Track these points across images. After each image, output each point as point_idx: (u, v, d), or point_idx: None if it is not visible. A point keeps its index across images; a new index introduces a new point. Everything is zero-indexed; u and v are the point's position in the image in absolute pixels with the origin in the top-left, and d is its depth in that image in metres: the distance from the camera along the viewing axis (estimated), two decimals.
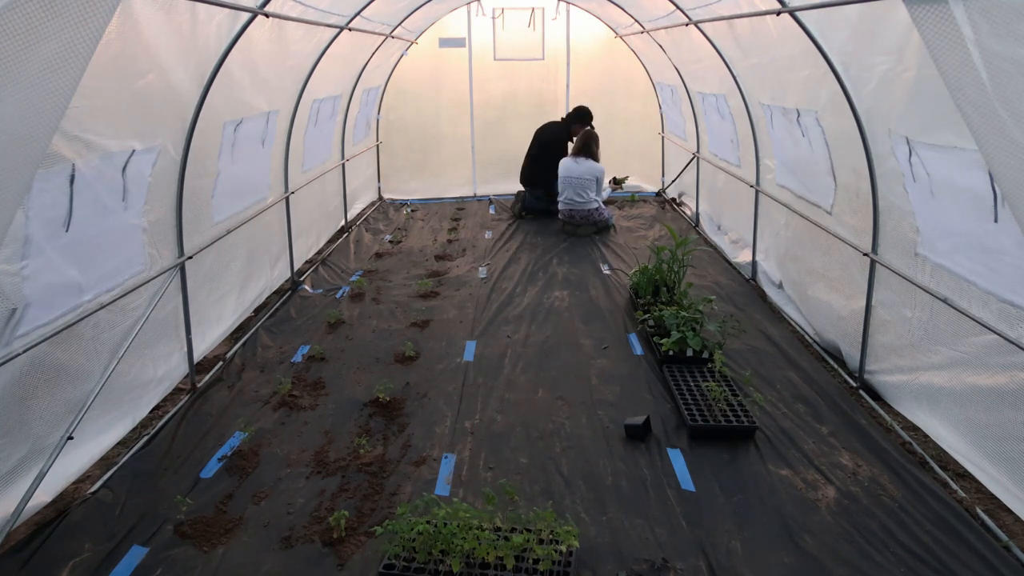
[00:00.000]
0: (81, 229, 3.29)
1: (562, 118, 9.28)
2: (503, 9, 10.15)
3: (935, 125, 3.42)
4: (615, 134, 10.00)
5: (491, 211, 9.80)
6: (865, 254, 4.41)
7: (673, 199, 10.11)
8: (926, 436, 3.93)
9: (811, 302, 5.40)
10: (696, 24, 6.37)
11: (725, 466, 3.71)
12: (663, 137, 10.56)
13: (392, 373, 4.83)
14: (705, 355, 4.67)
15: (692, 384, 4.40)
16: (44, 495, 3.26)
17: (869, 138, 4.22)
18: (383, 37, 8.09)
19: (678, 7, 6.47)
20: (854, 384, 4.57)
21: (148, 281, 3.95)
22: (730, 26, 5.81)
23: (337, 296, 6.41)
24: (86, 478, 3.60)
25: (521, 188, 9.44)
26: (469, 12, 10.13)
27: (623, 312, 5.90)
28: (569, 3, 10.18)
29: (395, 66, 10.07)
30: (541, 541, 2.90)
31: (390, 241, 8.31)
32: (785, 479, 3.59)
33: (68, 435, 3.24)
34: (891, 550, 3.08)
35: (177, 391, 4.52)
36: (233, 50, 4.37)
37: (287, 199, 6.50)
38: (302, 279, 6.83)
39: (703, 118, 8.25)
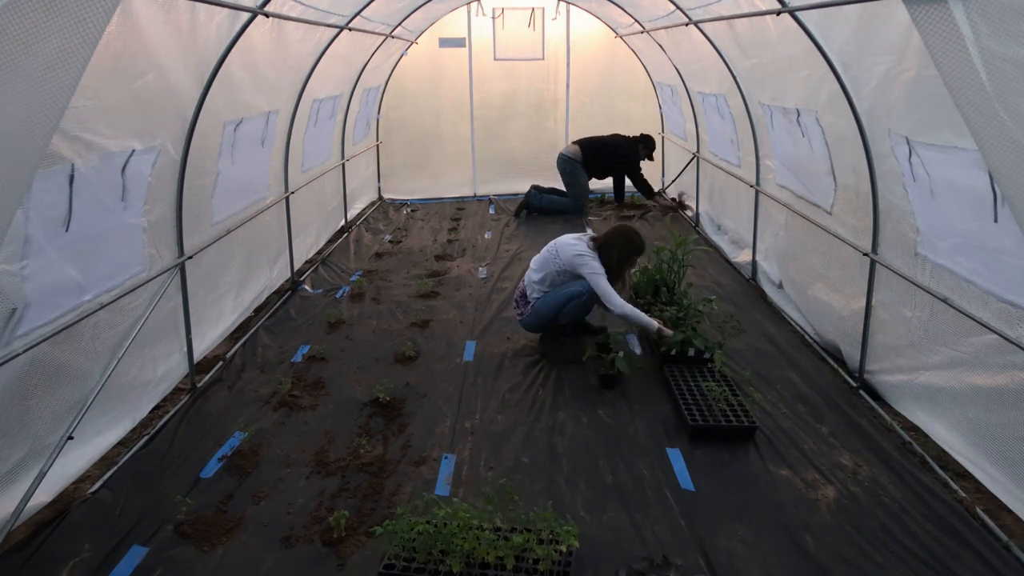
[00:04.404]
0: (81, 229, 3.29)
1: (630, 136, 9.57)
2: (503, 9, 10.15)
3: (935, 125, 3.41)
4: None
5: (491, 211, 9.80)
6: (865, 254, 4.41)
7: (673, 199, 10.11)
8: (926, 436, 3.93)
9: (811, 302, 5.39)
10: (696, 24, 6.37)
11: (725, 466, 3.71)
12: (663, 137, 10.56)
13: (392, 373, 4.83)
14: (705, 355, 4.67)
15: (692, 384, 4.39)
16: (44, 495, 3.25)
17: (869, 138, 4.21)
18: (383, 37, 8.09)
19: (678, 7, 6.47)
20: (854, 384, 4.57)
21: (148, 281, 3.95)
22: (730, 26, 5.81)
23: (337, 296, 6.41)
24: (86, 478, 3.60)
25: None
26: (469, 12, 10.13)
27: None
28: (569, 3, 10.18)
29: (395, 66, 10.07)
30: (541, 541, 2.90)
31: (390, 241, 8.31)
32: (785, 479, 3.59)
33: (68, 435, 3.24)
34: (891, 550, 3.07)
35: (177, 391, 4.52)
36: (233, 50, 4.37)
37: (287, 199, 6.50)
38: (302, 279, 6.83)
39: (703, 118, 8.25)
